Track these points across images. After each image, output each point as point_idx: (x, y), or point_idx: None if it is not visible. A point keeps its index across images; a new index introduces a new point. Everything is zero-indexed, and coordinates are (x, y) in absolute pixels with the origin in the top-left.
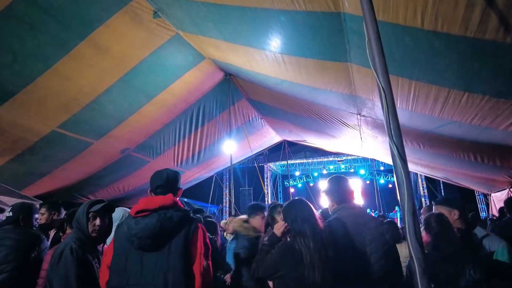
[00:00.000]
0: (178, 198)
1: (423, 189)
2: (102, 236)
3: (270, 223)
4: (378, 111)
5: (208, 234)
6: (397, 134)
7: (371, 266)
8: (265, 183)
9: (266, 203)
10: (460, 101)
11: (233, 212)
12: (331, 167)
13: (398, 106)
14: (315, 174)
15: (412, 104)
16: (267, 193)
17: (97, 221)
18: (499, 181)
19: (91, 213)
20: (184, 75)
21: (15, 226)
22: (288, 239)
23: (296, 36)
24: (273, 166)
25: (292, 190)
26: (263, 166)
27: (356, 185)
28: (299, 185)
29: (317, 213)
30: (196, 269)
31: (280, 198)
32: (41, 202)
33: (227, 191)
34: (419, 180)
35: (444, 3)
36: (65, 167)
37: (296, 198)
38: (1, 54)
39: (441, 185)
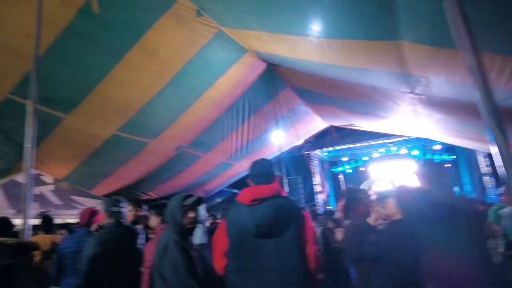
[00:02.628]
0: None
1: (487, 167)
2: (195, 226)
3: (351, 207)
4: (433, 88)
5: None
6: (492, 114)
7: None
8: (313, 171)
9: (315, 190)
10: None
11: None
12: (382, 150)
13: (458, 80)
14: (365, 158)
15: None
16: (316, 180)
17: (191, 214)
18: None
19: (185, 207)
20: (228, 71)
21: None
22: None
23: (342, 19)
24: (320, 153)
25: (341, 176)
26: (310, 153)
27: (410, 167)
28: (349, 171)
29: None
30: (309, 253)
31: (330, 185)
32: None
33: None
34: (481, 158)
35: None
36: (126, 167)
37: (408, 186)
38: (65, 68)
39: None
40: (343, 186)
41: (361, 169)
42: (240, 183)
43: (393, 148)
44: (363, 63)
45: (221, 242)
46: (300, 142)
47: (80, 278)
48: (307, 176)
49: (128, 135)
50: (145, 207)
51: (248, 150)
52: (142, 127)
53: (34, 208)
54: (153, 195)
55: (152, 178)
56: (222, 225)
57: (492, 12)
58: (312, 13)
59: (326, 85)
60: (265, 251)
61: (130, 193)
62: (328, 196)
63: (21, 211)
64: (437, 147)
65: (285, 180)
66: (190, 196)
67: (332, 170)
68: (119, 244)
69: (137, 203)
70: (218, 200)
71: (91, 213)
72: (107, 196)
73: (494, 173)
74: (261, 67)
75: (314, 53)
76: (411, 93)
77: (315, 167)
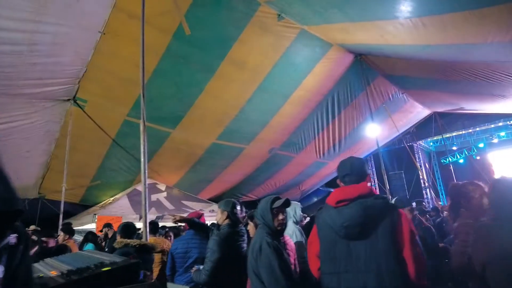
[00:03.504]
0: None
1: None
2: (284, 228)
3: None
4: None
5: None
6: None
7: None
8: (418, 164)
9: (423, 185)
10: None
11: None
12: (502, 133)
13: None
14: (481, 145)
15: None
16: (422, 174)
17: (280, 216)
18: None
19: (274, 209)
20: (314, 68)
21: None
22: None
23: None
24: (424, 144)
25: (451, 167)
26: (412, 145)
27: None
28: (461, 161)
29: None
30: (407, 255)
31: (438, 178)
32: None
33: (375, 177)
34: None
35: None
36: (226, 172)
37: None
38: (168, 87)
39: None
40: (454, 179)
41: (477, 157)
42: (336, 182)
43: None
44: (469, 37)
45: (314, 245)
46: (400, 133)
47: (207, 275)
48: (411, 170)
49: (226, 142)
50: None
51: (342, 147)
52: (237, 134)
53: (152, 213)
54: (252, 196)
55: (249, 180)
56: (314, 228)
57: None
58: None
59: (424, 68)
60: (358, 253)
61: (231, 195)
62: (438, 191)
63: (141, 216)
64: None
65: (384, 177)
66: (278, 198)
67: (441, 161)
68: (240, 244)
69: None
70: (315, 199)
71: (197, 217)
72: (212, 199)
73: None
74: (349, 58)
75: (405, 36)
76: None
77: (420, 159)
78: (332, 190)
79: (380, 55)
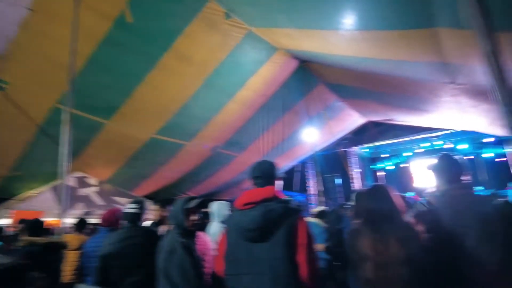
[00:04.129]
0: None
1: None
2: (198, 228)
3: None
4: (477, 76)
5: None
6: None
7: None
8: (351, 168)
9: (353, 189)
10: None
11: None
12: (427, 144)
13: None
14: (407, 153)
15: None
16: (354, 178)
17: (193, 216)
18: None
19: (187, 210)
20: (259, 70)
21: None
22: None
23: (373, 9)
24: (359, 150)
25: (382, 173)
26: (348, 150)
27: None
28: (389, 167)
29: (399, 201)
30: (301, 259)
31: (370, 183)
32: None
33: (311, 179)
34: None
35: None
36: (164, 168)
37: (375, 184)
38: (105, 75)
39: None
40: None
41: (403, 165)
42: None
43: (438, 143)
44: (400, 54)
45: (222, 246)
46: (336, 139)
47: (93, 276)
48: (346, 174)
49: (166, 137)
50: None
51: (283, 148)
52: (179, 129)
53: (80, 208)
54: (191, 194)
55: (189, 178)
56: (224, 230)
57: None
58: (343, 6)
59: (361, 79)
60: (258, 255)
61: (169, 193)
62: None
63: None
64: (489, 139)
65: (319, 179)
66: (193, 198)
67: (371, 167)
68: (128, 244)
69: (162, 203)
70: None
71: (114, 214)
72: (147, 196)
73: None
74: (293, 64)
75: (347, 47)
76: (452, 83)
77: (354, 164)
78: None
79: (322, 63)
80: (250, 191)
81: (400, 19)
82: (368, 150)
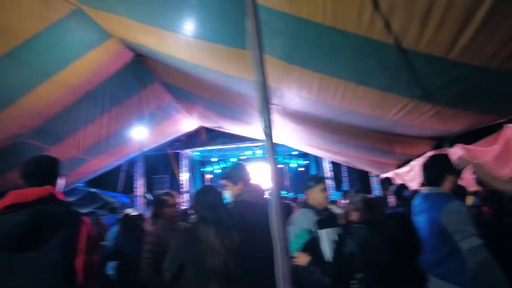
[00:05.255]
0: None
1: (330, 172)
2: None
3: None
4: (286, 100)
5: None
6: (267, 125)
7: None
8: (182, 170)
9: (181, 190)
10: (356, 93)
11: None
12: (249, 152)
13: (305, 95)
14: (233, 159)
15: (317, 94)
16: (182, 180)
17: None
18: (389, 163)
19: None
20: (87, 54)
21: None
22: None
23: (207, 21)
24: (190, 153)
25: (210, 176)
26: (180, 152)
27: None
28: (217, 171)
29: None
30: (78, 265)
31: (199, 185)
32: None
33: (138, 180)
34: (326, 163)
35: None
36: None
37: (206, 184)
38: None
39: (342, 168)
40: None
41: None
42: (99, 181)
43: (258, 152)
44: (227, 68)
45: None
46: (167, 140)
47: None
48: (175, 175)
49: None
50: None
51: (109, 145)
52: None
53: None
54: None
55: None
56: None
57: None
58: (179, 10)
59: (197, 85)
60: (21, 267)
61: None
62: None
63: None
64: (295, 152)
65: (144, 179)
66: None
67: (201, 170)
68: None
69: None
70: (72, 198)
71: None
72: None
73: (335, 177)
74: (128, 56)
75: (183, 51)
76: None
77: (184, 166)
78: (93, 189)
79: (160, 61)
80: (19, 191)
81: (229, 36)
82: (199, 153)
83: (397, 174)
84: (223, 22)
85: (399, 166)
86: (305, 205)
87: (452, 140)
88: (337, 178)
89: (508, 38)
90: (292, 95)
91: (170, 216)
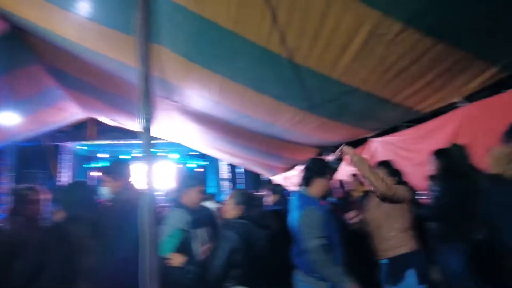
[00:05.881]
0: None
1: (228, 173)
2: None
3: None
4: (188, 99)
5: None
6: (147, 118)
7: None
8: (61, 165)
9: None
10: (253, 99)
11: None
12: (135, 150)
13: (206, 96)
14: (125, 156)
15: (218, 96)
16: (62, 176)
17: None
18: (279, 167)
19: None
20: None
21: None
22: None
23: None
24: (74, 146)
25: (96, 173)
26: (61, 145)
27: (169, 168)
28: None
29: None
30: None
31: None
32: None
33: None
34: (224, 165)
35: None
36: None
37: (77, 180)
38: None
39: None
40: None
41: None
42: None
43: (153, 150)
44: (123, 57)
45: None
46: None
47: None
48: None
49: None
50: None
51: None
52: None
53: None
54: None
55: None
56: None
57: None
58: None
59: (89, 72)
60: None
61: None
62: None
63: None
64: (194, 152)
65: (12, 174)
66: None
67: (85, 166)
68: None
69: None
70: None
71: None
72: None
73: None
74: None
75: (73, 32)
76: (167, 99)
77: (65, 161)
78: None
79: (46, 40)
80: None
81: (122, 22)
82: (86, 148)
83: (286, 177)
84: (118, 7)
85: (288, 169)
86: (178, 204)
87: (331, 150)
88: (233, 180)
89: (377, 64)
90: (194, 94)
91: (32, 214)
